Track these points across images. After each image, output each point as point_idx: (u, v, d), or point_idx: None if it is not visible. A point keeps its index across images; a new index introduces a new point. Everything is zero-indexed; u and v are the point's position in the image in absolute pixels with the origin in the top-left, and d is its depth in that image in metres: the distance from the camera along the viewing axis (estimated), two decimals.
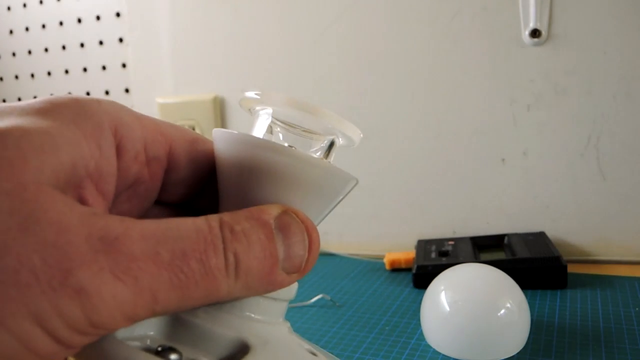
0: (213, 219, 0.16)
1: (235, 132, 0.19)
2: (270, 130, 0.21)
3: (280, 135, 0.21)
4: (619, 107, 0.57)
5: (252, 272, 0.16)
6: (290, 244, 0.17)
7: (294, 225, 0.17)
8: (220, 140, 0.20)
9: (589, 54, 0.57)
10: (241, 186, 0.20)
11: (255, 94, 0.20)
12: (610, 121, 0.57)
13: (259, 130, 0.21)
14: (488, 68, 0.61)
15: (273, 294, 0.20)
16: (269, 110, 0.20)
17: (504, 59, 0.60)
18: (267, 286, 0.17)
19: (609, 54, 0.56)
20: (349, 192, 0.21)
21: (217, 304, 0.19)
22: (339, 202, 0.21)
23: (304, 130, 0.21)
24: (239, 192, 0.20)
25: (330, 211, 0.21)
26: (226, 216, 0.16)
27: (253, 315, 0.20)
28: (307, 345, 0.22)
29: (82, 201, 0.15)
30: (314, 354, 0.22)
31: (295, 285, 0.22)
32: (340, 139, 0.21)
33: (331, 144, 0.21)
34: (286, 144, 0.21)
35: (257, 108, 0.20)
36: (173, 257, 0.14)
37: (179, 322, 0.19)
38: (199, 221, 0.16)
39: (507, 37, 0.59)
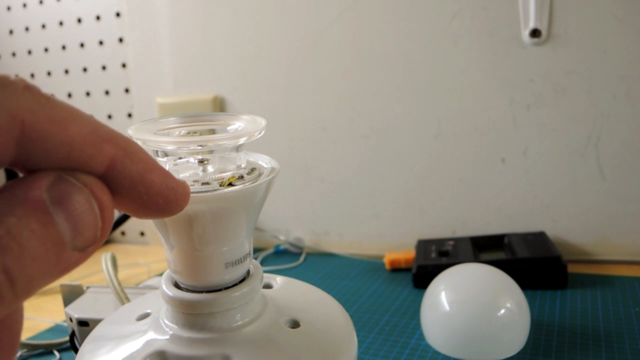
0: None
1: None
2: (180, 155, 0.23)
3: (192, 159, 0.23)
4: (619, 107, 0.57)
5: (34, 276, 0.13)
6: (76, 217, 0.14)
7: (75, 192, 0.14)
8: None
9: (589, 54, 0.57)
10: (164, 232, 0.22)
11: (149, 140, 0.21)
12: (610, 121, 0.57)
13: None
14: (488, 68, 0.61)
15: (236, 299, 0.22)
16: (169, 148, 0.22)
17: (504, 59, 0.60)
18: (58, 275, 0.14)
19: (609, 54, 0.56)
20: (270, 186, 0.22)
21: (195, 327, 0.22)
22: (264, 200, 0.23)
23: (209, 147, 0.22)
24: (164, 236, 0.22)
25: (260, 209, 0.23)
26: None
27: (232, 325, 0.22)
28: (288, 316, 0.24)
29: None
30: (297, 324, 0.24)
31: (259, 271, 0.24)
32: (245, 138, 0.22)
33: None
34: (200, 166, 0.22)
35: (156, 149, 0.22)
36: None
37: (171, 357, 0.21)
38: None
39: (507, 37, 0.59)
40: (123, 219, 0.75)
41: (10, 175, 0.78)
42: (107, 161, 0.15)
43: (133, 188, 0.16)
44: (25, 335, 0.49)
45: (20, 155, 0.13)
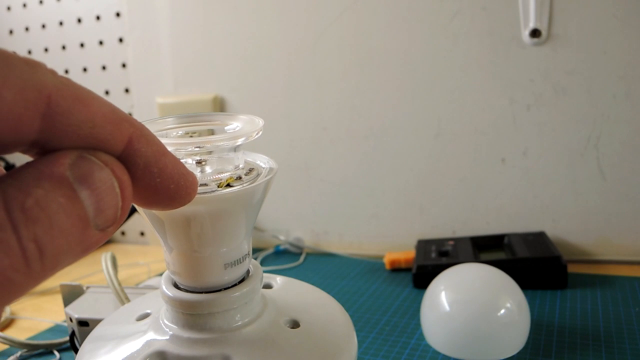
0: None
1: None
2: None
3: (190, 160, 0.22)
4: (619, 107, 0.57)
5: (61, 250, 0.13)
6: (99, 194, 0.14)
7: (96, 170, 0.14)
8: None
9: (589, 54, 0.57)
10: (162, 234, 0.22)
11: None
12: (610, 121, 0.57)
13: None
14: (488, 68, 0.61)
15: (235, 300, 0.22)
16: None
17: (504, 59, 0.60)
18: (81, 254, 0.14)
19: (609, 54, 0.56)
20: (269, 187, 0.22)
21: (194, 328, 0.22)
22: (262, 200, 0.23)
23: (208, 149, 0.22)
24: (162, 238, 0.22)
25: (259, 208, 0.23)
26: (9, 186, 0.13)
27: (232, 325, 0.22)
28: (288, 316, 0.24)
29: None
30: (297, 324, 0.23)
31: (259, 271, 0.24)
32: (243, 138, 0.22)
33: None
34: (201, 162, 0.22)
35: None
36: None
37: (170, 358, 0.21)
38: None
39: (507, 37, 0.59)
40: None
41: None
42: (126, 139, 0.15)
43: (147, 168, 0.16)
44: (25, 335, 0.49)
45: (43, 131, 0.14)
